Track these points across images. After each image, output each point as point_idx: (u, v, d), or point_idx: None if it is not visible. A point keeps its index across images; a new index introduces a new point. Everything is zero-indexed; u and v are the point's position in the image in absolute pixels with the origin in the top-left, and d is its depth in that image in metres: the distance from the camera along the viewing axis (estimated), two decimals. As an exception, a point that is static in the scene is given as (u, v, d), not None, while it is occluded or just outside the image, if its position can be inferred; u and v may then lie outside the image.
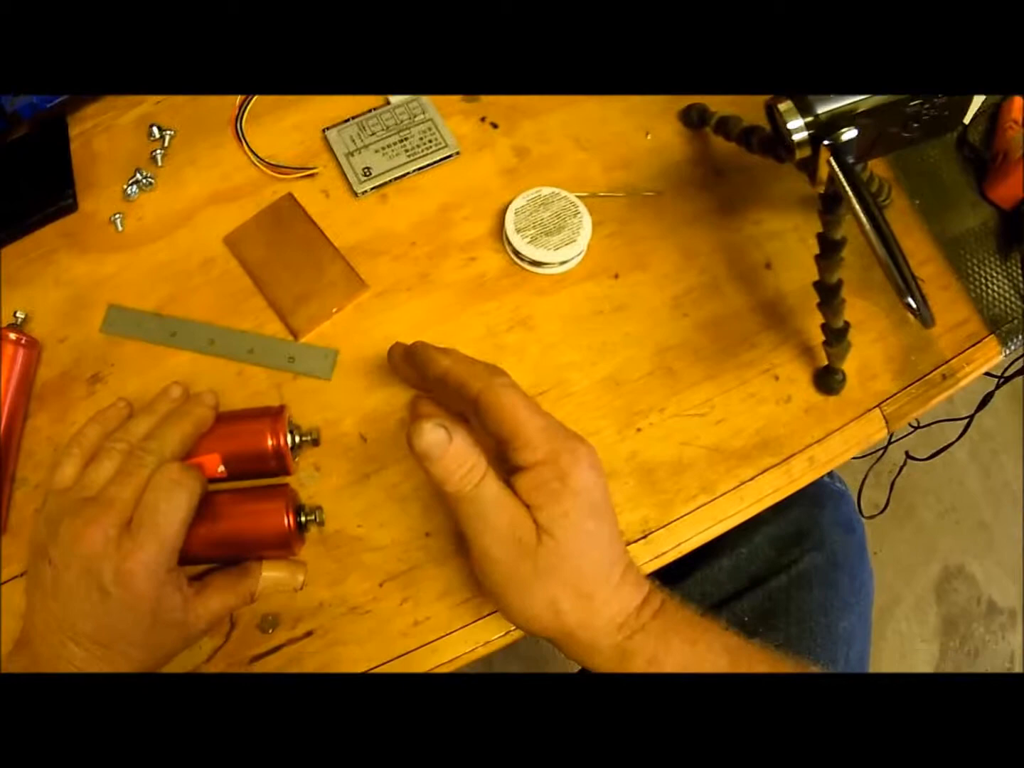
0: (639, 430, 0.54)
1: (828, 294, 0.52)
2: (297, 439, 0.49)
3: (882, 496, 1.17)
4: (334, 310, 0.55)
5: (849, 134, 0.46)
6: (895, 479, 1.06)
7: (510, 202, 0.56)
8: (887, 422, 0.56)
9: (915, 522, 1.48)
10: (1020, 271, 0.63)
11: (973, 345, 0.59)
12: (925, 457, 0.92)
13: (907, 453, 0.94)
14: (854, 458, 0.57)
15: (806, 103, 0.46)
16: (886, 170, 0.63)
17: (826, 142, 0.46)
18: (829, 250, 0.50)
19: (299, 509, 0.48)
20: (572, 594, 0.42)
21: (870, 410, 0.56)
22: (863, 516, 1.14)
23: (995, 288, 0.62)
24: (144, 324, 0.56)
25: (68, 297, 0.57)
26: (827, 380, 0.56)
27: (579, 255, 0.56)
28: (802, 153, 0.47)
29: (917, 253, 0.61)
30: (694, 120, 0.61)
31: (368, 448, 0.52)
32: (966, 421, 0.76)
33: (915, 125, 0.48)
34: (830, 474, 0.83)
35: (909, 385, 0.57)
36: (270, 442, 0.47)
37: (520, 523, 0.41)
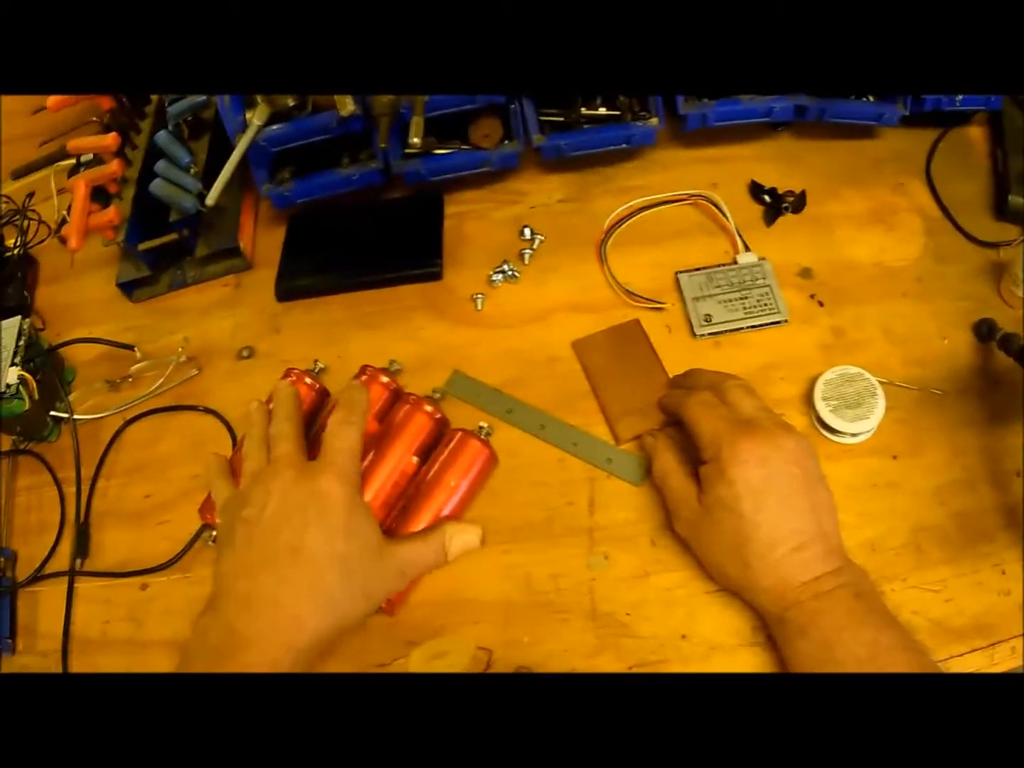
0: (881, 592, 0.61)
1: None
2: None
3: None
4: (656, 427, 0.62)
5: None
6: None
7: (820, 373, 0.63)
8: (1088, 628, 0.61)
9: None
10: None
11: None
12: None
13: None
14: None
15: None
16: None
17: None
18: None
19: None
20: (733, 561, 0.52)
21: (1075, 613, 0.61)
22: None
23: None
24: (483, 395, 0.64)
25: (416, 352, 0.66)
26: (1042, 581, 0.62)
27: (870, 431, 0.63)
28: None
29: None
30: (984, 333, 0.67)
31: (655, 552, 0.59)
32: None
33: None
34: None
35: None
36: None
37: (687, 498, 0.54)
